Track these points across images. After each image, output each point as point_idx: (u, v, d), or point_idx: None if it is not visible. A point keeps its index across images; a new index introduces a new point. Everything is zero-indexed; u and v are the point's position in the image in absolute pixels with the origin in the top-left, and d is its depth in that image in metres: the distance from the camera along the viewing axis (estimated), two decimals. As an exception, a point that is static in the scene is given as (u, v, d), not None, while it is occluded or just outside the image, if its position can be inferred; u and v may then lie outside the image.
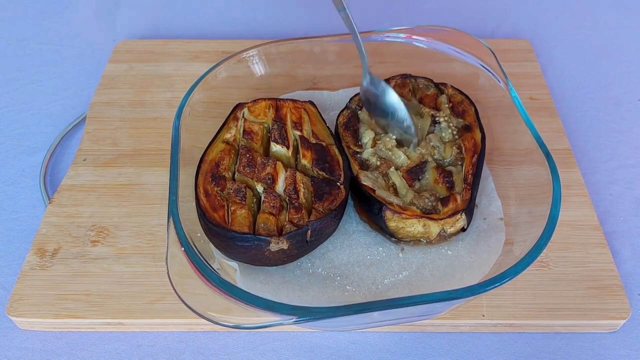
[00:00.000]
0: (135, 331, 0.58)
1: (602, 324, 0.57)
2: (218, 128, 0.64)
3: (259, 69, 0.72)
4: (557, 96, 0.81)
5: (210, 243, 0.57)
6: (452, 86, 0.69)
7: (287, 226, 0.55)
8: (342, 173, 0.60)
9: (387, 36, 0.71)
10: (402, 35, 0.71)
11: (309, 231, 0.55)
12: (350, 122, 0.67)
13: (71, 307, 0.57)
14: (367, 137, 0.65)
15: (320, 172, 0.60)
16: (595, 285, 0.58)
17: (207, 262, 0.50)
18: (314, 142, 0.63)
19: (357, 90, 0.70)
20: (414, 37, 0.70)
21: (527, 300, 0.57)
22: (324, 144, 0.63)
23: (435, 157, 0.63)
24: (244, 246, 0.53)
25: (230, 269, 0.57)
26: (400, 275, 0.57)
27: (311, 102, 0.69)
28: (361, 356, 0.56)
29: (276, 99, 0.68)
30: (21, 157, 0.75)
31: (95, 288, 0.59)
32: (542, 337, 0.57)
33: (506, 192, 0.64)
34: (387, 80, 0.70)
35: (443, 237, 0.59)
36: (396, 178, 0.61)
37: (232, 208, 0.56)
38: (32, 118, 0.80)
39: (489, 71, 0.66)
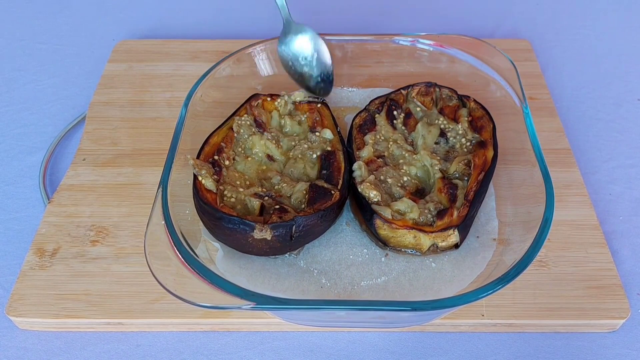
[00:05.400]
0: (135, 331, 0.58)
1: (601, 323, 0.57)
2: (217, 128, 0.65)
3: (259, 67, 0.72)
4: (556, 96, 0.81)
5: (200, 224, 0.58)
6: (474, 100, 0.68)
7: (273, 217, 0.56)
8: (340, 180, 0.60)
9: (415, 41, 0.72)
10: (430, 42, 0.72)
11: (294, 226, 0.55)
12: (365, 125, 0.67)
13: (70, 307, 0.57)
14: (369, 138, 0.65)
15: (319, 180, 0.61)
16: (595, 285, 0.58)
17: (183, 237, 0.52)
18: (323, 148, 0.64)
19: (377, 91, 0.73)
20: (443, 45, 0.72)
21: (526, 300, 0.57)
22: (330, 149, 0.64)
23: (440, 167, 0.62)
24: (229, 228, 0.54)
25: (216, 252, 0.58)
26: (379, 280, 0.57)
27: (325, 104, 0.69)
28: (361, 356, 0.56)
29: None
30: (20, 156, 0.75)
31: (94, 288, 0.59)
32: (542, 337, 0.57)
33: (502, 192, 0.64)
34: (411, 86, 0.70)
35: (435, 251, 0.58)
36: (402, 201, 0.60)
37: (226, 193, 0.58)
38: (31, 118, 0.80)
39: (507, 86, 0.66)
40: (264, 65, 0.72)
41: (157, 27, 0.96)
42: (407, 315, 0.51)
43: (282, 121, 0.68)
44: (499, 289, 0.47)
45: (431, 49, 0.72)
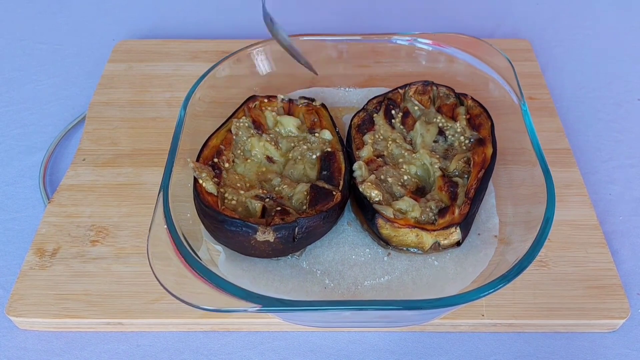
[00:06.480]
0: (135, 331, 0.58)
1: (601, 323, 0.57)
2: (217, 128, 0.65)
3: (259, 67, 0.72)
4: (556, 96, 0.81)
5: (201, 225, 0.58)
6: (472, 98, 0.68)
7: (276, 219, 0.55)
8: (341, 181, 0.60)
9: (413, 40, 0.72)
10: (427, 41, 0.72)
11: (297, 228, 0.55)
12: (364, 124, 0.67)
13: (71, 307, 0.57)
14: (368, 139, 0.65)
15: (320, 181, 0.61)
16: (595, 284, 0.58)
17: (186, 241, 0.52)
18: (323, 149, 0.64)
19: (374, 90, 0.72)
20: (441, 44, 0.71)
21: (526, 299, 0.57)
22: (330, 149, 0.64)
23: (439, 165, 0.62)
24: (232, 231, 0.54)
25: (218, 254, 0.58)
26: (382, 279, 0.57)
27: (323, 105, 0.69)
28: (361, 356, 0.56)
29: (290, 100, 0.69)
30: (20, 157, 0.75)
31: (94, 288, 0.59)
32: (542, 337, 0.57)
33: (502, 191, 0.64)
34: (409, 85, 0.70)
35: (437, 249, 0.58)
36: (403, 196, 0.60)
37: (227, 196, 0.58)
38: (31, 118, 0.80)
39: (505, 84, 0.66)
40: (264, 66, 0.72)
41: (157, 27, 0.96)
42: (411, 313, 0.51)
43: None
44: (500, 287, 0.47)
45: (429, 48, 0.72)
